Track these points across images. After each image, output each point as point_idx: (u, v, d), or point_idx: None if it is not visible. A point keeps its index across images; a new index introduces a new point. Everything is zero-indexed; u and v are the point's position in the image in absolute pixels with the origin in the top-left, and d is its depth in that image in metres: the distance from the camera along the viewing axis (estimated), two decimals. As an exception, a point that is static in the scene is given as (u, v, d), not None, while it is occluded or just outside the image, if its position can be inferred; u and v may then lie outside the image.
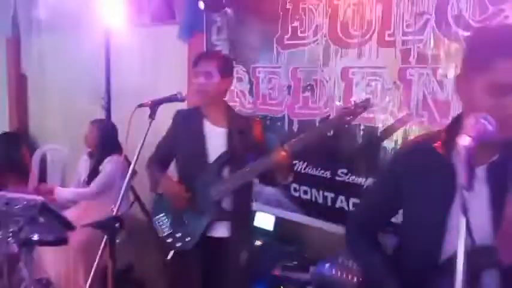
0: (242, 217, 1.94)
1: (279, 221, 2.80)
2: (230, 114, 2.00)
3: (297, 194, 2.70)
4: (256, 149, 1.87)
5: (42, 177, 4.25)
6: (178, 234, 1.89)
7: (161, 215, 1.97)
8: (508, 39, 0.95)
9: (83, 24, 4.14)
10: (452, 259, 0.92)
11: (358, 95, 2.33)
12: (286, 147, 1.70)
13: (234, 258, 1.85)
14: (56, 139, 4.91)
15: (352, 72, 2.35)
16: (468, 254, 0.92)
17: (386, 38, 2.19)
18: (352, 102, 1.75)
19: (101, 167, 2.88)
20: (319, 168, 2.56)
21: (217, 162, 1.87)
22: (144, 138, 1.69)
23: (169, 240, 1.91)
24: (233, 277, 1.86)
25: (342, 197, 2.46)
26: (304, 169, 2.65)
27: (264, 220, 2.89)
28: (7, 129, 5.62)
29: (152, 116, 1.73)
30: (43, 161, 4.38)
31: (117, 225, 1.60)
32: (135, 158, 1.69)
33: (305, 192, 2.67)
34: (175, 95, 1.78)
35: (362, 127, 2.33)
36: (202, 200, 1.87)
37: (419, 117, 2.12)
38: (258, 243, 2.71)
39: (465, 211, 0.80)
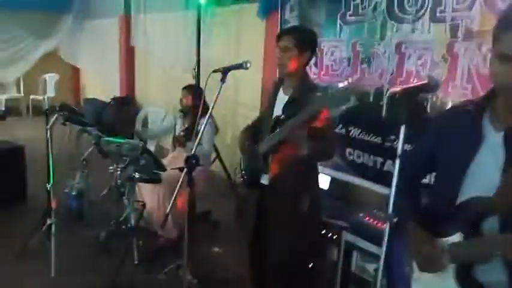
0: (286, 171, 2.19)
1: (333, 181, 3.11)
2: (299, 84, 2.08)
3: (351, 158, 3.01)
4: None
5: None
6: (244, 175, 2.34)
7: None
8: (509, 14, 1.11)
9: (184, 5, 4.77)
10: (466, 203, 1.14)
11: (409, 68, 2.53)
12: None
13: (277, 202, 2.17)
14: (155, 102, 5.74)
15: (405, 46, 2.55)
16: (471, 204, 1.12)
17: (438, 14, 2.35)
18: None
19: (199, 127, 3.38)
20: (371, 135, 2.83)
21: (272, 124, 2.19)
22: (216, 98, 2.02)
23: (240, 177, 2.37)
24: (281, 218, 2.17)
25: (389, 161, 2.71)
26: (358, 135, 2.93)
27: (321, 180, 3.23)
28: (118, 94, 6.67)
29: (223, 80, 2.05)
30: (145, 120, 5.22)
31: (194, 160, 2.11)
32: (207, 115, 2.11)
33: (358, 156, 2.96)
34: (242, 63, 2.04)
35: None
36: (256, 153, 2.24)
37: (464, 90, 2.27)
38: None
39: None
